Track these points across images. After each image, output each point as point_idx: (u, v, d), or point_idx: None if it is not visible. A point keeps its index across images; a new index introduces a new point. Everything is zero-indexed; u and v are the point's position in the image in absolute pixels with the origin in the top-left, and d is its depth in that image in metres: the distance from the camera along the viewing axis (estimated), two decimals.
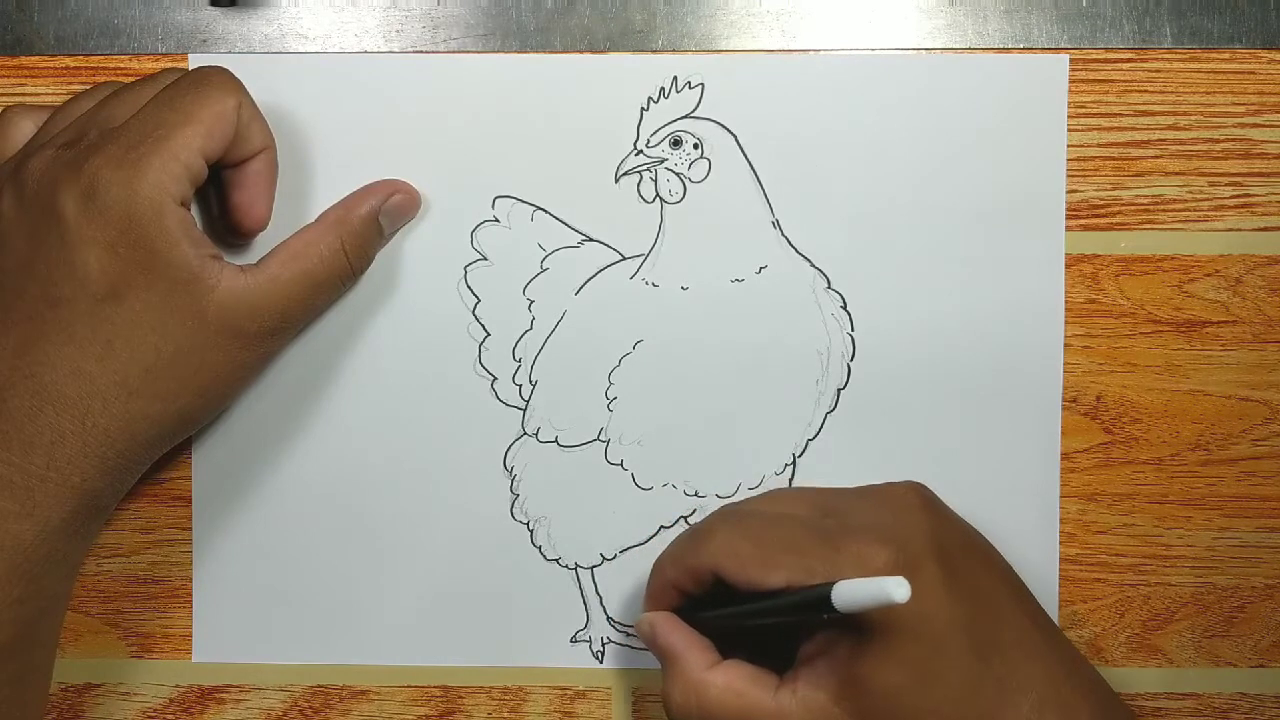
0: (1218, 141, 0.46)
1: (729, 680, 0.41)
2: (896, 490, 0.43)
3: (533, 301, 0.47)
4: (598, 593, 0.47)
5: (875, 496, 0.43)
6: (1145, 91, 0.46)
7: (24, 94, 0.47)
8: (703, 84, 0.46)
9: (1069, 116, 0.46)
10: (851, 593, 0.36)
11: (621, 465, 0.47)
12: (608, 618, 0.47)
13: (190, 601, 0.48)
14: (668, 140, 0.46)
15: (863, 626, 0.39)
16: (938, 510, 0.43)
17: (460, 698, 0.48)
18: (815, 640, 0.41)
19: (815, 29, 0.46)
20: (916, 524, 0.41)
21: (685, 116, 0.46)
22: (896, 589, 0.35)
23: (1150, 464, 0.47)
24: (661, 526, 0.47)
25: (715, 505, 0.47)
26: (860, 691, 0.39)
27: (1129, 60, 0.46)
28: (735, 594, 0.42)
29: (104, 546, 0.48)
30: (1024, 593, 0.43)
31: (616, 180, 0.47)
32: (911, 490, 0.43)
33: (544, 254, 0.47)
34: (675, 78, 0.46)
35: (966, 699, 0.39)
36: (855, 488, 0.44)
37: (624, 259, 0.47)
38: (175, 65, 0.46)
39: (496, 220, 0.47)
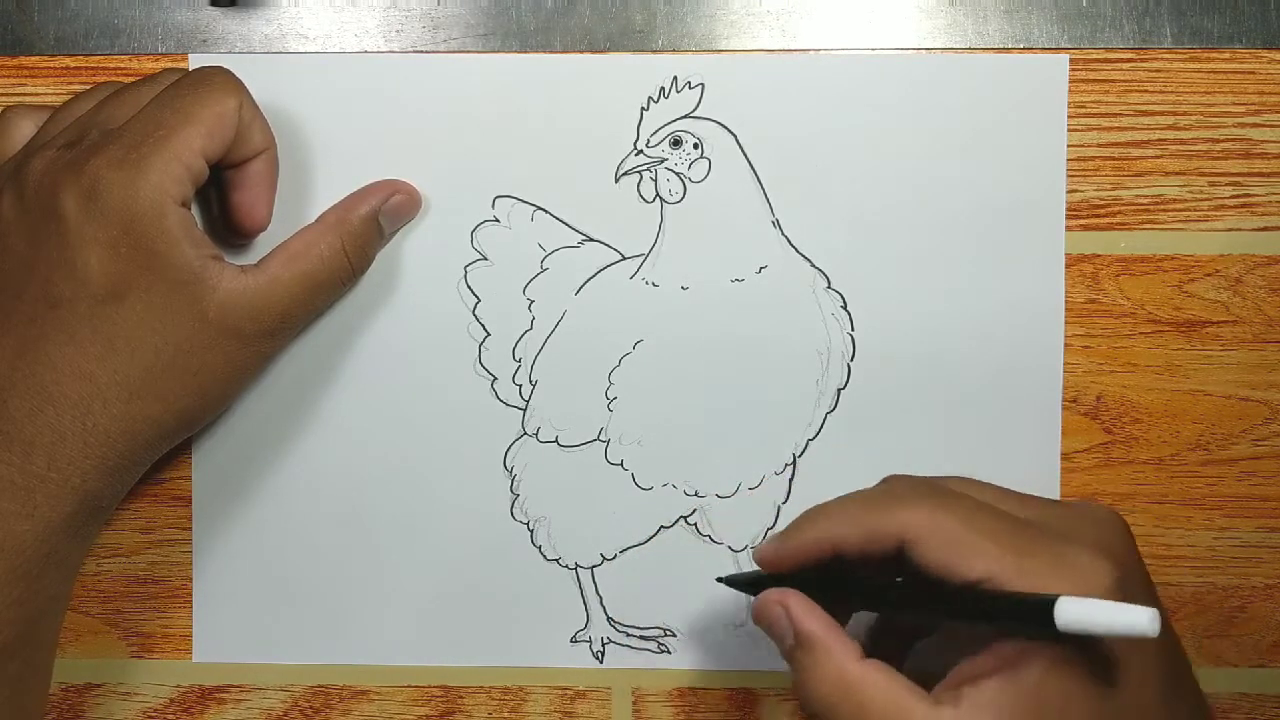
0: (1218, 141, 0.46)
1: (887, 681, 0.36)
2: (1104, 512, 0.39)
3: (533, 301, 0.47)
4: (598, 593, 0.47)
5: (1084, 512, 0.39)
6: (1145, 91, 0.46)
7: (24, 94, 0.47)
8: (703, 84, 0.46)
9: (1069, 116, 0.46)
10: (1084, 612, 0.32)
11: (621, 465, 0.47)
12: (608, 618, 0.47)
13: (190, 601, 0.48)
14: (668, 140, 0.46)
15: (1062, 650, 0.35)
16: (1135, 543, 0.39)
17: (460, 698, 0.48)
18: (984, 657, 0.36)
19: (815, 29, 0.46)
20: (1129, 551, 0.38)
21: (685, 116, 0.46)
22: (1151, 622, 0.31)
23: (1150, 464, 0.47)
24: (661, 526, 0.47)
25: (715, 505, 0.47)
26: None
27: (1129, 60, 0.46)
28: (851, 580, 0.39)
29: (104, 546, 0.48)
30: (1188, 658, 0.40)
31: (616, 180, 0.47)
32: (1117, 515, 0.39)
33: (544, 254, 0.47)
34: (675, 78, 0.46)
35: None
36: (1051, 499, 0.40)
37: (624, 259, 0.47)
38: (175, 65, 0.46)
39: (496, 220, 0.47)
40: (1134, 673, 0.35)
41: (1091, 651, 0.35)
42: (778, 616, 0.39)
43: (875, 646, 0.40)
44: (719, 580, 0.44)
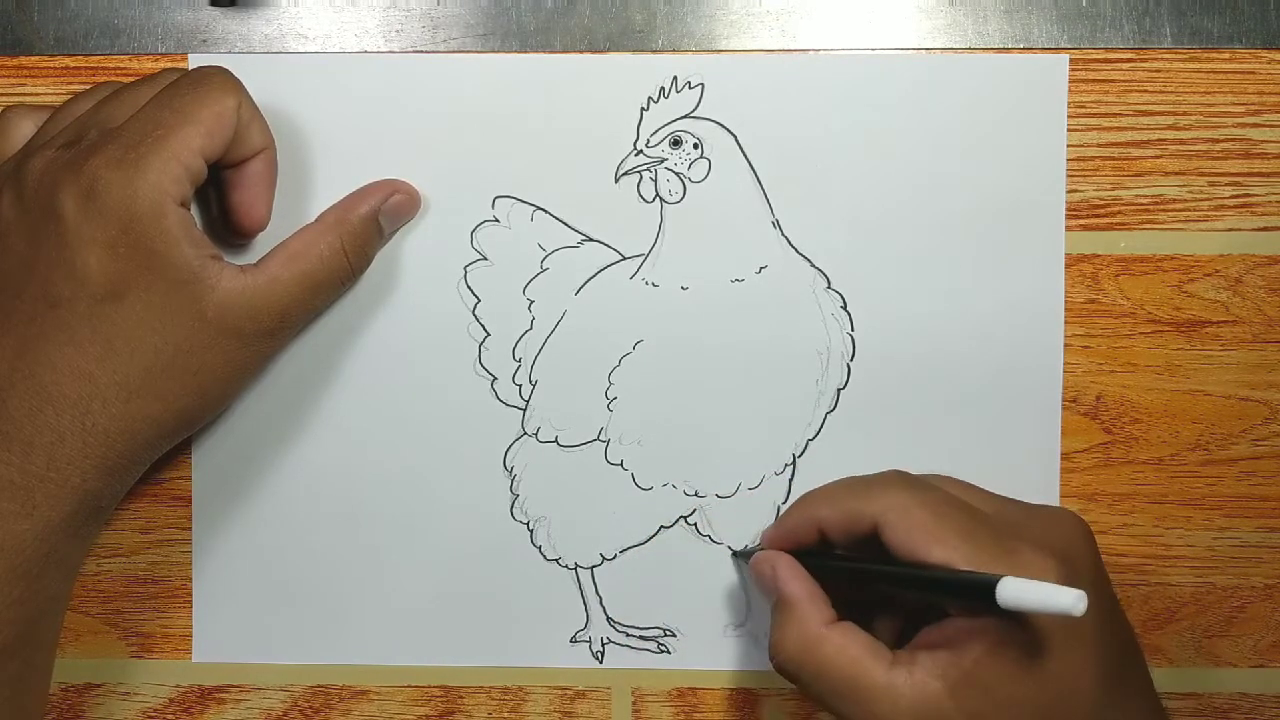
0: (1218, 141, 0.46)
1: (846, 641, 0.40)
2: (1066, 515, 0.43)
3: (533, 301, 0.47)
4: (598, 593, 0.47)
5: (1045, 514, 0.43)
6: (1145, 91, 0.46)
7: (24, 94, 0.47)
8: (703, 84, 0.46)
9: (1069, 116, 0.46)
10: (1020, 591, 0.36)
11: (621, 465, 0.47)
12: (608, 618, 0.47)
13: (190, 601, 0.48)
14: (668, 140, 0.46)
15: (1003, 633, 0.38)
16: (1096, 548, 0.42)
17: (460, 698, 0.48)
18: (941, 628, 0.40)
19: (815, 29, 0.46)
20: (1083, 552, 0.41)
21: (685, 116, 0.46)
22: (1075, 601, 0.35)
23: (1150, 464, 0.47)
24: (661, 526, 0.47)
25: (715, 505, 0.47)
26: (982, 695, 0.38)
27: (1129, 60, 0.46)
28: (835, 559, 0.42)
29: (104, 546, 0.48)
30: (1144, 662, 0.43)
31: (616, 180, 0.47)
32: (1079, 520, 0.42)
33: (544, 254, 0.47)
34: (675, 78, 0.46)
35: None
36: (1021, 501, 0.44)
37: (624, 259, 0.47)
38: (175, 65, 0.46)
39: (496, 220, 0.47)
40: (1070, 662, 0.39)
41: (1029, 639, 0.38)
42: (767, 576, 0.43)
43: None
44: (733, 554, 0.47)
